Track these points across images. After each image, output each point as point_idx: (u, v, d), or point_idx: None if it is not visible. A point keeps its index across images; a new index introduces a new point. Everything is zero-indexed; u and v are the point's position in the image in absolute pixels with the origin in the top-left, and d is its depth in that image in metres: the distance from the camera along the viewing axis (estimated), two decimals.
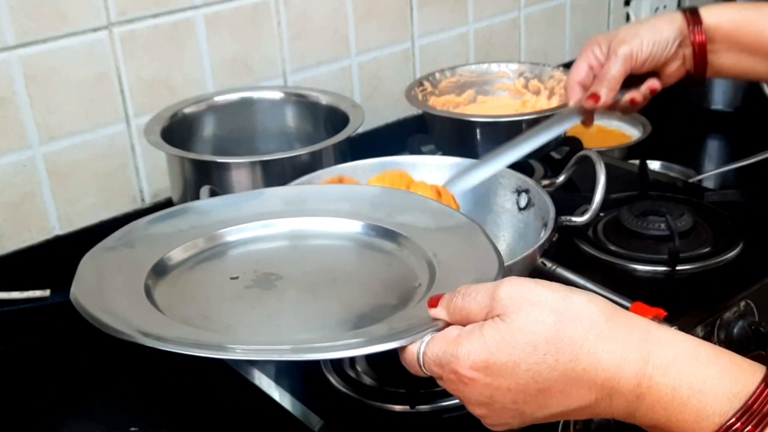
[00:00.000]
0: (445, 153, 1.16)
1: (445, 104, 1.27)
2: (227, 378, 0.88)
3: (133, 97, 1.12)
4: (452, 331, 0.60)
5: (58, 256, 1.09)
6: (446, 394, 0.79)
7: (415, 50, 1.41)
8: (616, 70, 0.99)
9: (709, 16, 0.97)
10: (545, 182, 1.05)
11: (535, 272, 0.87)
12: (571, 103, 1.04)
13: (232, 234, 0.83)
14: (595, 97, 1.00)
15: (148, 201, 1.18)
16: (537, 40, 1.59)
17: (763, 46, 0.95)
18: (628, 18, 1.72)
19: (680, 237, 0.98)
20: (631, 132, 1.47)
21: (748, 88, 1.53)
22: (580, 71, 1.04)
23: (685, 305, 0.90)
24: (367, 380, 0.82)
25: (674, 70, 1.03)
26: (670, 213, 1.04)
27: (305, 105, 1.16)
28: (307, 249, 0.81)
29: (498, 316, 0.57)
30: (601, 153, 1.02)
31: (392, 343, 0.61)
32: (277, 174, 0.98)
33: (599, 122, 1.53)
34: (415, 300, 0.69)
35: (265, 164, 0.98)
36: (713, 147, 1.54)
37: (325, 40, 1.29)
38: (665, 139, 1.45)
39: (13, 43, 1.01)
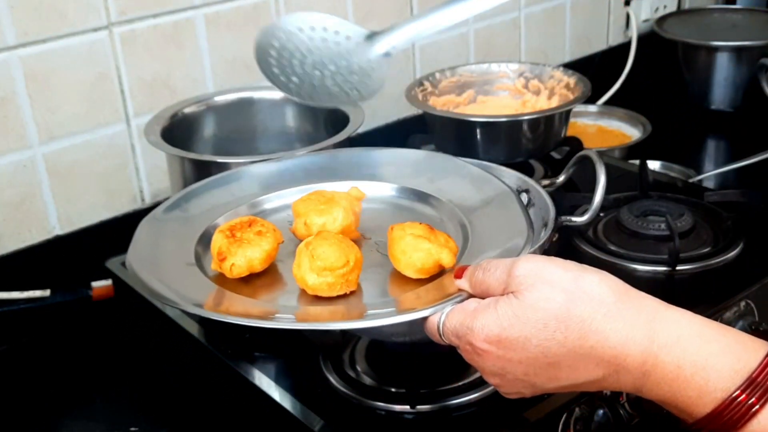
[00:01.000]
0: (446, 152, 1.16)
1: (445, 104, 1.27)
2: (227, 378, 0.88)
3: (133, 97, 1.12)
4: (470, 304, 0.63)
5: (58, 256, 1.09)
6: (447, 395, 0.79)
7: (415, 50, 1.41)
8: None
9: None
10: (545, 182, 1.05)
11: None
12: None
13: (272, 200, 0.88)
14: None
15: (149, 201, 1.18)
16: (537, 40, 1.59)
17: None
18: (628, 18, 1.72)
19: (680, 237, 0.98)
20: (631, 132, 1.47)
21: (748, 88, 1.53)
22: None
23: (685, 305, 0.89)
24: (367, 380, 0.82)
25: None
26: (670, 213, 1.04)
27: (305, 105, 1.16)
28: None
29: (512, 292, 0.60)
30: (601, 153, 1.01)
31: (415, 314, 0.65)
32: None
33: (599, 122, 1.53)
34: (443, 271, 0.73)
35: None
36: (713, 147, 1.54)
37: None
38: (665, 139, 1.45)
39: (14, 43, 1.01)
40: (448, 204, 0.83)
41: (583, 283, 0.59)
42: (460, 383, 0.80)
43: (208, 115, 1.14)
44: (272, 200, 0.88)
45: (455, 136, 1.18)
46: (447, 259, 0.72)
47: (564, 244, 1.02)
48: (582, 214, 0.94)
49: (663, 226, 1.01)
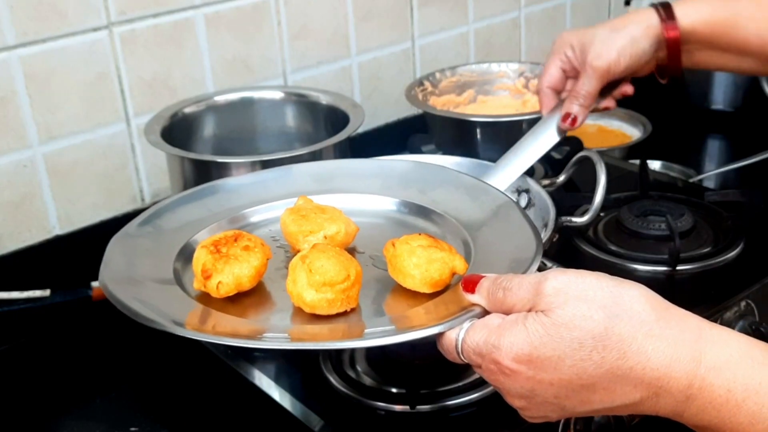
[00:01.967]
0: (446, 153, 1.16)
1: (445, 104, 1.27)
2: (227, 378, 0.88)
3: (133, 96, 1.12)
4: (494, 319, 0.59)
5: (58, 256, 1.09)
6: (447, 395, 0.79)
7: (415, 50, 1.41)
8: (591, 87, 0.97)
9: (684, 16, 0.94)
10: (545, 182, 1.05)
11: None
12: (544, 112, 1.02)
13: (258, 213, 0.82)
14: (572, 120, 0.98)
15: (148, 201, 1.18)
16: (537, 39, 1.59)
17: (736, 45, 0.93)
18: None
19: (680, 237, 0.98)
20: (632, 132, 1.47)
21: (748, 88, 1.52)
22: (552, 75, 1.01)
23: (685, 305, 0.90)
24: (367, 380, 0.82)
25: (647, 70, 1.01)
26: (671, 213, 1.04)
27: (305, 105, 1.16)
28: None
29: (542, 311, 0.56)
30: (601, 153, 1.02)
31: (430, 329, 0.60)
32: None
33: (599, 122, 1.53)
34: (452, 282, 0.68)
35: (265, 164, 0.98)
36: (713, 147, 1.54)
37: (325, 40, 1.29)
38: (665, 139, 1.45)
39: (13, 42, 1.01)
40: (444, 215, 0.79)
41: (621, 299, 0.55)
42: (460, 384, 0.80)
43: (208, 114, 1.14)
44: (254, 214, 0.82)
45: (455, 136, 1.18)
46: (460, 265, 0.67)
47: (564, 244, 1.02)
48: (582, 214, 0.95)
49: (663, 226, 1.01)
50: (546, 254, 0.90)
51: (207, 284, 0.68)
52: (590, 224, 1.00)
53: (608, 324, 0.54)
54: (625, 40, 0.94)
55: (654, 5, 0.95)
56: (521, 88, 1.29)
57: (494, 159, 1.01)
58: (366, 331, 0.64)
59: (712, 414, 0.54)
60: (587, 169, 0.97)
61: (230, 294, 0.68)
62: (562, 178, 1.07)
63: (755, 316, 0.93)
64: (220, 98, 1.15)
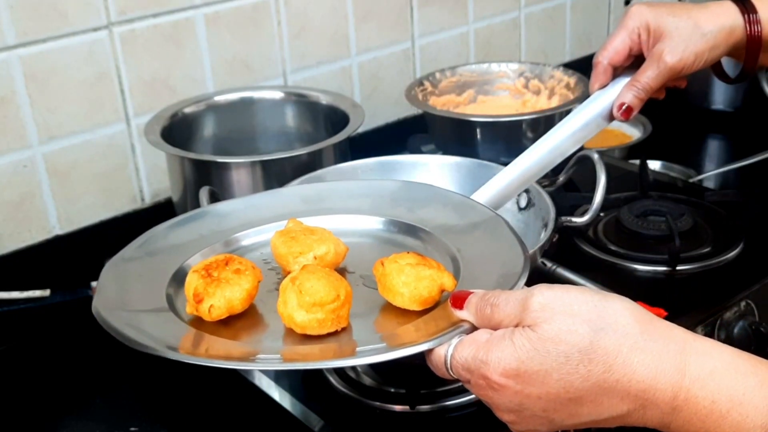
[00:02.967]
0: (446, 153, 1.16)
1: (445, 104, 1.27)
2: (227, 378, 0.88)
3: (133, 96, 1.12)
4: (482, 335, 0.59)
5: (58, 256, 1.09)
6: (446, 395, 0.79)
7: (415, 50, 1.41)
8: (656, 82, 0.89)
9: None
10: (545, 182, 1.05)
11: (536, 272, 0.87)
12: (596, 86, 0.92)
13: (250, 237, 0.82)
14: (626, 111, 0.89)
15: (148, 201, 1.18)
16: (537, 39, 1.59)
17: None
18: None
19: (680, 237, 0.98)
20: (632, 132, 1.47)
21: (748, 88, 1.52)
22: (616, 50, 0.90)
23: (685, 305, 0.90)
24: (367, 380, 0.82)
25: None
26: (671, 213, 1.04)
27: (305, 105, 1.16)
28: None
29: (529, 326, 0.56)
30: (601, 153, 1.01)
31: (419, 346, 0.61)
32: (277, 174, 0.98)
33: None
34: (441, 299, 0.68)
35: (265, 164, 0.98)
36: (713, 147, 1.54)
37: (325, 40, 1.29)
38: (665, 139, 1.45)
39: (13, 42, 1.01)
40: (432, 233, 0.79)
41: (605, 313, 0.56)
42: (460, 384, 0.79)
43: (208, 114, 1.14)
44: (245, 238, 0.82)
45: (455, 136, 1.18)
46: (449, 282, 0.67)
47: (564, 244, 1.02)
48: (582, 214, 0.94)
49: (663, 226, 1.01)
50: (546, 254, 0.90)
51: (199, 308, 0.68)
52: (590, 224, 1.00)
53: (593, 338, 0.55)
54: (707, 45, 0.87)
55: (740, 2, 0.88)
56: (521, 88, 1.29)
57: (494, 159, 1.01)
58: (357, 349, 0.64)
59: (697, 425, 0.54)
60: (587, 169, 0.97)
61: (222, 317, 0.69)
62: (562, 178, 1.07)
63: (755, 316, 0.93)
64: (220, 98, 1.15)
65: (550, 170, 1.18)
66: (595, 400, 0.55)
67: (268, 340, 0.68)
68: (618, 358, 0.54)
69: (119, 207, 1.15)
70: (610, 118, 0.91)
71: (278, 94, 1.17)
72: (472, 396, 0.78)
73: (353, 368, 0.84)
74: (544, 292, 0.57)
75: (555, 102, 1.25)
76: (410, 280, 0.67)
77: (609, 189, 0.94)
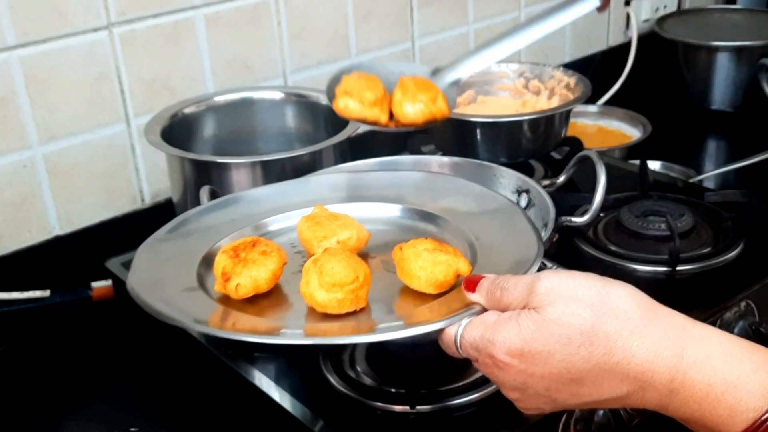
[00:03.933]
0: (446, 153, 1.16)
1: None
2: (227, 378, 0.88)
3: (133, 97, 1.12)
4: (490, 316, 0.62)
5: (58, 257, 1.09)
6: (447, 395, 0.79)
7: (415, 50, 1.41)
8: None
9: None
10: (545, 182, 1.05)
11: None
12: None
13: (278, 222, 0.87)
14: None
15: (148, 201, 1.18)
16: (537, 40, 1.59)
17: None
18: (628, 18, 1.72)
19: (680, 237, 0.98)
20: (632, 132, 1.47)
21: (748, 88, 1.53)
22: None
23: (685, 305, 0.90)
24: (367, 380, 0.82)
25: None
26: (671, 213, 1.04)
27: (305, 105, 1.16)
28: None
29: (534, 308, 0.59)
30: (601, 153, 1.01)
31: (432, 325, 0.64)
32: (277, 174, 0.98)
33: (599, 122, 1.53)
34: (456, 283, 0.72)
35: (265, 164, 0.98)
36: (713, 147, 1.54)
37: (325, 40, 1.29)
38: (665, 139, 1.45)
39: (14, 43, 1.01)
40: (451, 221, 0.83)
41: (608, 298, 0.58)
42: (460, 383, 0.80)
43: (208, 115, 1.14)
44: (274, 223, 0.87)
45: (455, 136, 1.18)
46: (464, 267, 0.70)
47: (564, 244, 1.02)
48: (582, 214, 0.95)
49: (663, 226, 1.01)
50: (546, 254, 0.90)
51: (226, 286, 0.72)
52: (590, 224, 1.00)
53: (595, 321, 0.57)
54: None
55: None
56: (521, 88, 1.29)
57: (494, 159, 1.01)
58: (374, 327, 0.69)
59: (693, 407, 0.57)
60: (587, 169, 0.98)
61: (248, 295, 0.73)
62: (562, 178, 1.07)
63: (755, 317, 0.93)
64: (220, 98, 1.15)
65: (551, 170, 1.19)
66: (595, 381, 0.58)
67: (292, 318, 0.72)
68: (618, 342, 0.57)
69: (119, 207, 1.15)
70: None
71: (278, 95, 1.17)
72: (473, 396, 0.78)
73: (353, 368, 0.84)
74: (550, 276, 0.60)
75: (555, 102, 1.25)
76: (426, 265, 0.70)
77: (609, 189, 0.94)
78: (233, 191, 0.98)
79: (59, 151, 1.08)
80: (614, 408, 0.61)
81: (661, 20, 1.66)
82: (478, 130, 1.16)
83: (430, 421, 0.78)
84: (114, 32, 1.09)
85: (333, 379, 0.82)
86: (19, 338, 1.02)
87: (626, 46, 1.69)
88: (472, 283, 0.65)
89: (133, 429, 0.87)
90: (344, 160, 1.02)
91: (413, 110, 0.83)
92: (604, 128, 1.51)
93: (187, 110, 1.11)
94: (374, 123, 0.84)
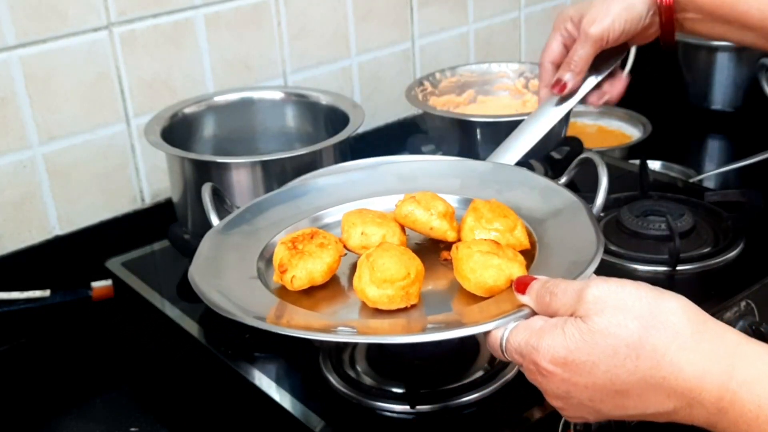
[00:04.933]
0: (445, 153, 1.16)
1: (445, 104, 1.27)
2: (227, 378, 0.88)
3: (133, 97, 1.12)
4: (536, 321, 0.61)
5: (58, 257, 1.09)
6: (447, 395, 0.79)
7: (415, 50, 1.41)
8: (584, 52, 0.95)
9: None
10: None
11: None
12: (542, 86, 1.01)
13: (334, 214, 0.86)
14: (561, 85, 0.96)
15: (148, 201, 1.18)
16: (537, 40, 1.59)
17: (736, 18, 0.90)
18: None
19: (680, 237, 0.98)
20: (632, 132, 1.47)
21: (748, 88, 1.53)
22: (552, 50, 0.99)
23: None
24: (367, 380, 0.82)
25: (646, 36, 0.97)
26: (671, 213, 1.04)
27: (305, 105, 1.16)
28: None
29: (581, 317, 0.58)
30: (601, 153, 1.02)
31: (478, 327, 0.64)
32: (277, 174, 0.98)
33: (599, 122, 1.53)
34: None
35: (265, 164, 0.98)
36: (713, 147, 1.54)
37: (325, 40, 1.29)
38: (665, 139, 1.45)
39: (13, 43, 1.01)
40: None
41: (658, 310, 0.57)
42: (461, 383, 0.80)
43: (208, 115, 1.14)
44: (334, 214, 0.87)
45: (455, 136, 1.18)
46: (518, 273, 0.69)
47: None
48: None
49: (663, 226, 1.01)
50: None
51: (283, 278, 0.74)
52: None
53: (642, 334, 0.56)
54: (620, 6, 0.93)
55: None
56: (521, 88, 1.29)
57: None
58: (423, 326, 0.68)
59: (743, 428, 0.55)
60: (588, 170, 0.97)
61: (303, 287, 0.74)
62: (563, 179, 1.06)
63: (755, 316, 0.93)
64: (220, 98, 1.15)
65: (551, 170, 1.19)
66: (641, 394, 0.57)
67: (345, 313, 0.72)
68: (666, 356, 0.55)
69: (119, 207, 1.15)
70: (562, 105, 0.99)
71: (278, 95, 1.17)
72: (473, 396, 0.79)
73: (353, 368, 0.84)
74: (600, 284, 0.59)
75: None
76: (477, 267, 0.69)
77: (609, 189, 0.93)
78: (233, 191, 0.98)
79: (59, 151, 1.08)
80: (662, 422, 0.59)
81: None
82: (478, 130, 1.16)
83: (430, 421, 0.78)
84: (114, 32, 1.09)
85: (333, 379, 0.82)
86: (19, 338, 1.02)
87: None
88: (522, 285, 0.65)
89: (133, 429, 0.88)
90: (344, 160, 1.01)
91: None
92: (604, 128, 1.51)
93: (187, 110, 1.11)
94: (440, 238, 0.80)
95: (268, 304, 0.72)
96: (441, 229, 0.79)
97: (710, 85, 1.55)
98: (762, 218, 1.05)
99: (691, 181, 1.31)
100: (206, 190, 0.90)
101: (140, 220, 1.15)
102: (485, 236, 0.75)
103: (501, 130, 1.15)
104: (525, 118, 1.15)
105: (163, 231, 1.06)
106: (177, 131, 1.07)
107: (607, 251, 1.01)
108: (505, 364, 0.82)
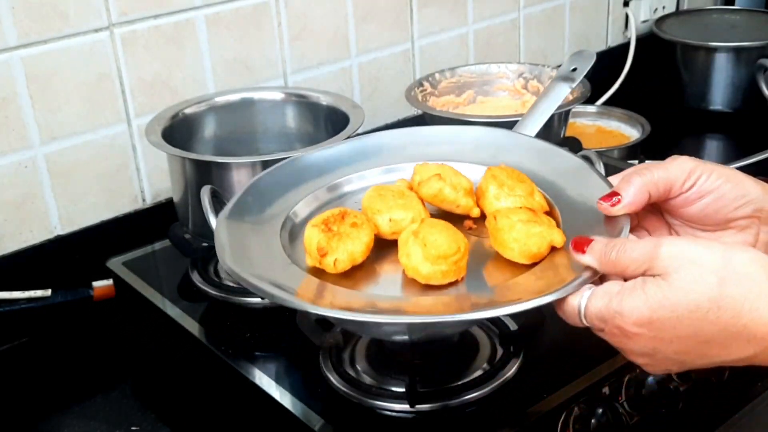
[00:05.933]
0: None
1: (444, 105, 1.27)
2: (227, 378, 0.89)
3: (134, 97, 1.13)
4: (613, 286, 0.62)
5: (60, 256, 1.09)
6: (447, 394, 0.79)
7: (415, 51, 1.42)
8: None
9: None
10: None
11: None
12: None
13: (347, 184, 0.85)
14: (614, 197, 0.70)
15: (149, 201, 1.18)
16: (536, 40, 1.59)
17: None
18: (627, 19, 1.72)
19: None
20: (631, 132, 1.48)
21: (747, 89, 1.53)
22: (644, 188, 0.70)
23: None
24: (367, 380, 0.82)
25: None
26: None
27: (305, 105, 1.16)
28: None
29: (659, 275, 0.60)
30: (600, 153, 1.02)
31: (549, 297, 0.63)
32: None
33: (598, 122, 1.53)
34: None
35: (265, 164, 0.98)
36: (712, 147, 1.55)
37: (325, 41, 1.30)
38: (664, 140, 1.45)
39: (15, 43, 1.01)
40: None
41: (732, 263, 0.59)
42: (461, 382, 0.80)
43: (209, 115, 1.14)
44: (346, 184, 0.85)
45: None
46: (558, 238, 0.70)
47: None
48: None
49: None
50: None
51: (323, 261, 0.72)
52: None
53: (721, 286, 0.58)
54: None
55: None
56: (520, 89, 1.30)
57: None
58: (483, 302, 0.67)
59: None
60: None
61: (346, 269, 0.73)
62: None
63: None
64: (221, 99, 1.15)
65: None
66: (723, 343, 0.59)
67: (388, 290, 0.72)
68: (745, 305, 0.58)
69: (120, 207, 1.15)
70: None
71: (278, 95, 1.18)
72: (473, 395, 0.79)
73: (353, 367, 0.84)
74: (673, 242, 0.61)
75: None
76: (521, 236, 0.70)
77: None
78: (234, 191, 0.97)
79: (60, 151, 1.08)
80: (741, 366, 0.63)
81: (660, 21, 1.66)
82: None
83: (430, 421, 0.78)
84: (115, 33, 1.09)
85: (333, 378, 0.82)
86: (20, 338, 1.02)
87: (625, 46, 1.69)
88: (581, 244, 0.65)
89: (133, 428, 0.88)
90: None
91: (512, 206, 0.75)
92: (603, 128, 1.52)
93: (188, 110, 1.11)
94: (464, 214, 0.79)
95: (317, 289, 0.70)
96: (467, 206, 0.78)
97: (709, 86, 1.56)
98: None
99: None
100: (205, 193, 0.90)
101: (141, 220, 1.16)
102: (511, 203, 0.75)
103: None
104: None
105: (163, 231, 1.06)
106: (178, 131, 1.08)
107: None
108: (504, 363, 0.82)
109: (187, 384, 0.95)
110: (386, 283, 0.73)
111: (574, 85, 0.95)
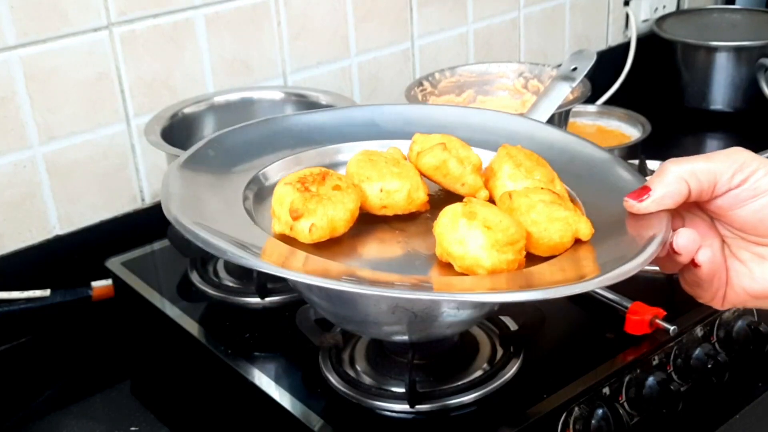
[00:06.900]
0: None
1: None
2: (227, 377, 0.89)
3: (134, 97, 1.12)
4: None
5: (58, 256, 1.09)
6: (447, 394, 0.79)
7: (415, 50, 1.42)
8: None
9: None
10: None
11: None
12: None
13: (343, 152, 0.73)
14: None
15: (149, 201, 1.18)
16: (536, 40, 1.59)
17: None
18: (627, 18, 1.72)
19: None
20: (631, 132, 1.47)
21: (747, 88, 1.53)
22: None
23: (684, 305, 0.90)
24: (367, 380, 0.82)
25: None
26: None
27: (305, 105, 1.16)
28: None
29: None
30: None
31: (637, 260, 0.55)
32: None
33: (598, 122, 1.53)
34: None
35: None
36: (712, 147, 1.54)
37: (325, 40, 1.29)
38: (665, 139, 1.45)
39: (14, 43, 1.01)
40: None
41: None
42: (460, 382, 0.80)
43: (208, 115, 1.14)
44: (318, 156, 0.72)
45: None
46: (585, 230, 0.58)
47: None
48: None
49: None
50: None
51: (295, 227, 0.58)
52: None
53: None
54: None
55: None
56: (520, 88, 1.29)
57: None
58: (506, 283, 0.56)
59: None
60: None
61: (322, 239, 0.59)
62: None
63: (754, 316, 0.94)
64: (220, 98, 1.15)
65: None
66: None
67: (409, 269, 0.60)
68: None
69: (119, 207, 1.15)
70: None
71: (278, 95, 1.18)
72: (473, 395, 0.79)
73: (353, 367, 0.84)
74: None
75: None
76: (541, 219, 0.57)
77: None
78: None
79: (59, 151, 1.08)
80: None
81: (660, 20, 1.66)
82: None
83: (429, 421, 0.78)
84: (114, 32, 1.09)
85: (332, 379, 0.82)
86: (19, 338, 1.02)
87: (625, 46, 1.69)
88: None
89: (133, 428, 0.88)
90: None
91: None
92: (604, 128, 1.51)
93: (187, 110, 1.11)
94: (468, 195, 0.64)
95: (287, 252, 0.57)
96: (474, 186, 0.65)
97: (709, 86, 1.56)
98: None
99: None
100: None
101: (140, 220, 1.15)
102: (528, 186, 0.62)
103: None
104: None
105: (163, 231, 1.06)
106: (177, 131, 1.07)
107: None
108: (504, 364, 0.82)
109: (187, 384, 0.95)
110: (371, 265, 0.60)
111: (574, 85, 0.94)
